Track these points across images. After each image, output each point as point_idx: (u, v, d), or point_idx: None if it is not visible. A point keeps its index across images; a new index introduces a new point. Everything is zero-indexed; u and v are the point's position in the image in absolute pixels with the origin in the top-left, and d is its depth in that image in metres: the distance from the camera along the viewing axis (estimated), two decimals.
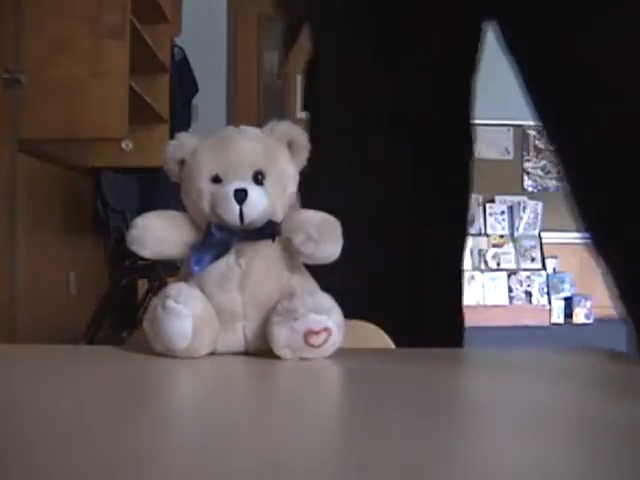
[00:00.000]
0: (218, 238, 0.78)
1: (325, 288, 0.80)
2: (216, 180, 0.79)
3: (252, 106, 5.40)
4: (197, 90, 4.73)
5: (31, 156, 3.14)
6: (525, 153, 5.41)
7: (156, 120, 4.00)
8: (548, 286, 5.14)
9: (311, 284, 0.84)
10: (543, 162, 5.44)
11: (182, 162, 0.82)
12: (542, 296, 5.11)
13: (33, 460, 0.43)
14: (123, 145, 3.94)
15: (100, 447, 0.46)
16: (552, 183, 5.45)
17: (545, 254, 5.24)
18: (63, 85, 3.02)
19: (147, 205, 3.79)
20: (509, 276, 5.12)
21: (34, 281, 3.17)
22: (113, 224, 3.55)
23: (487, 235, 5.22)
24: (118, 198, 3.65)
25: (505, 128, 5.39)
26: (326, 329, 0.77)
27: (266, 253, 0.80)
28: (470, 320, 5.41)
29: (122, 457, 0.44)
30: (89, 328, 3.49)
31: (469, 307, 5.28)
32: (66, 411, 0.56)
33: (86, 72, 3.04)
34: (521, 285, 5.12)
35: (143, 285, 3.97)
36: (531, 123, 5.42)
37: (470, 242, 5.23)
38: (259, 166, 0.79)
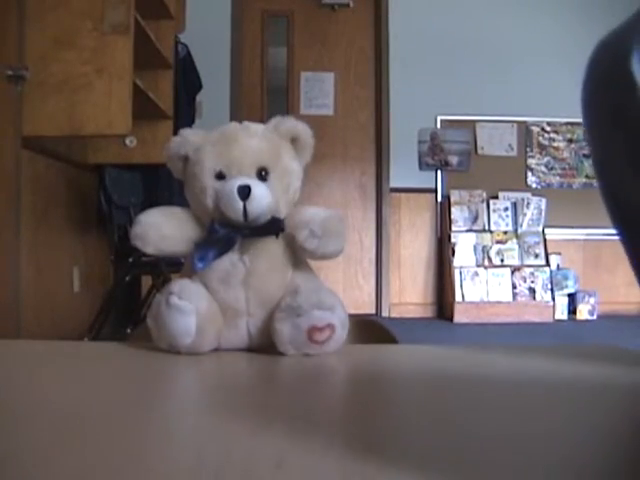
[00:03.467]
0: (222, 235, 0.78)
1: None
2: (220, 176, 0.78)
3: (256, 102, 5.40)
4: (201, 86, 4.73)
5: (35, 153, 3.14)
6: (529, 149, 5.38)
7: (160, 116, 3.99)
8: (552, 282, 5.12)
9: (315, 281, 0.84)
10: (547, 158, 5.41)
11: (185, 158, 0.82)
12: (546, 292, 5.09)
13: (37, 453, 0.44)
14: (127, 141, 3.94)
15: (102, 443, 0.47)
16: (556, 179, 5.44)
17: (549, 250, 5.22)
18: (66, 81, 3.02)
19: (151, 201, 3.80)
20: (513, 272, 5.11)
21: (38, 277, 3.17)
22: (117, 220, 3.55)
23: (491, 231, 5.20)
24: (122, 194, 3.65)
25: (509, 124, 5.37)
26: (329, 325, 0.76)
27: (270, 250, 0.80)
28: (474, 316, 5.45)
29: (124, 453, 0.44)
30: (93, 324, 3.49)
31: (472, 303, 5.33)
32: (70, 406, 0.56)
33: (89, 68, 3.03)
34: (525, 281, 5.10)
35: (147, 282, 3.97)
36: (534, 119, 5.42)
37: (474, 239, 5.23)
38: (263, 162, 0.79)
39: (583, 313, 5.19)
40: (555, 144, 5.45)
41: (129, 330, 3.36)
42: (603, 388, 0.65)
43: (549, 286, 5.15)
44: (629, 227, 0.62)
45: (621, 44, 0.57)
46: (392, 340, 1.03)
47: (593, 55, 0.61)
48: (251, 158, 0.79)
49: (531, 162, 5.47)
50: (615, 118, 0.57)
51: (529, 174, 5.46)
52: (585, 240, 5.42)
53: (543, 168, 5.48)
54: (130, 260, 3.44)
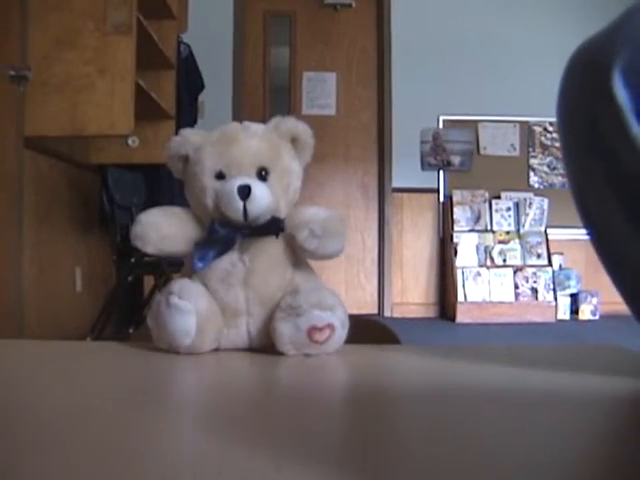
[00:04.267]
0: (222, 234, 0.78)
1: None
2: (220, 176, 0.78)
3: (258, 102, 5.40)
4: (203, 87, 4.74)
5: (37, 153, 3.14)
6: (531, 149, 5.38)
7: (162, 116, 4.00)
8: (554, 282, 5.11)
9: (315, 280, 0.84)
10: (549, 158, 5.41)
11: (186, 158, 0.82)
12: (548, 292, 5.09)
13: (36, 453, 0.44)
14: (129, 142, 3.95)
15: (102, 443, 0.47)
16: (558, 179, 5.43)
17: (551, 250, 5.21)
18: (68, 82, 3.02)
19: (153, 201, 3.80)
20: (515, 272, 5.10)
21: (40, 277, 3.17)
22: (119, 220, 3.56)
23: (493, 231, 5.20)
24: (124, 194, 3.65)
25: (511, 124, 5.37)
26: (329, 325, 0.76)
27: (270, 249, 0.80)
28: (476, 316, 5.45)
29: (124, 453, 0.44)
30: (95, 324, 3.50)
31: (475, 303, 5.33)
32: (71, 406, 0.57)
33: (92, 69, 3.03)
34: (527, 282, 5.10)
35: (149, 282, 3.98)
36: (537, 119, 5.41)
37: (476, 239, 5.22)
38: (263, 162, 0.79)
39: (585, 313, 5.19)
40: (557, 144, 5.44)
41: (131, 330, 3.36)
42: (606, 389, 0.65)
43: (551, 286, 5.15)
44: (611, 256, 0.61)
45: (601, 57, 0.54)
46: (394, 340, 1.03)
47: (570, 67, 0.58)
48: (251, 158, 0.79)
49: (533, 162, 5.47)
50: (597, 147, 0.55)
51: (531, 174, 5.46)
52: (587, 240, 5.40)
53: (545, 168, 5.47)
54: (132, 260, 3.44)
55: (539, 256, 5.27)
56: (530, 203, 5.32)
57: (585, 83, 0.56)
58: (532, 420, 0.54)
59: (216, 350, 0.80)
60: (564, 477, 0.42)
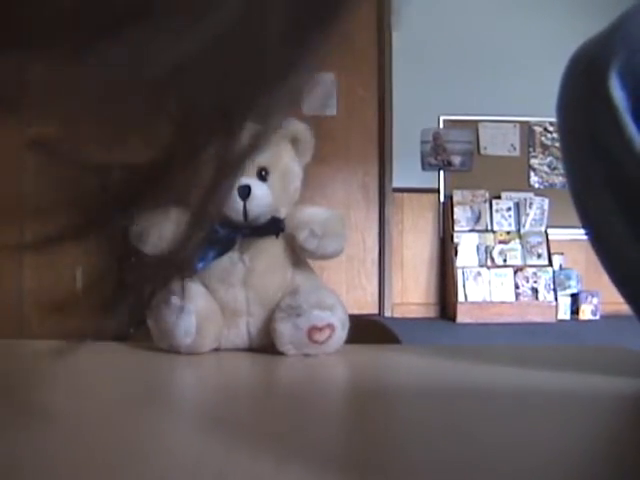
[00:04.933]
0: (222, 234, 0.78)
1: None
2: None
3: None
4: None
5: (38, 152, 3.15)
6: (531, 149, 5.37)
7: None
8: (554, 282, 5.11)
9: (315, 280, 0.84)
10: (549, 158, 5.40)
11: None
12: (548, 292, 5.08)
13: (36, 453, 0.44)
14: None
15: (101, 443, 0.46)
16: (558, 180, 5.42)
17: (551, 251, 5.21)
18: None
19: None
20: (515, 272, 5.10)
21: (41, 277, 3.18)
22: None
23: (493, 231, 5.19)
24: None
25: (511, 124, 5.36)
26: (329, 325, 0.76)
27: (270, 249, 0.80)
28: (476, 316, 5.44)
29: (122, 454, 0.44)
30: None
31: (475, 303, 5.32)
32: (71, 405, 0.57)
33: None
34: (527, 282, 5.09)
35: None
36: (537, 119, 5.41)
37: (476, 239, 5.22)
38: (263, 162, 0.79)
39: (586, 313, 5.18)
40: (558, 144, 5.43)
41: (132, 330, 3.36)
42: (609, 389, 0.65)
43: (552, 286, 5.14)
44: (610, 257, 0.61)
45: (599, 58, 0.54)
46: (394, 340, 1.03)
47: (570, 67, 0.59)
48: None
49: (534, 162, 5.46)
50: (595, 148, 0.55)
51: (532, 174, 5.45)
52: (588, 240, 5.40)
53: (546, 168, 5.47)
54: (133, 260, 3.44)
55: (539, 256, 5.26)
56: (530, 203, 5.31)
57: (583, 84, 0.56)
58: (533, 420, 0.54)
59: (216, 350, 0.80)
60: (565, 478, 0.42)
